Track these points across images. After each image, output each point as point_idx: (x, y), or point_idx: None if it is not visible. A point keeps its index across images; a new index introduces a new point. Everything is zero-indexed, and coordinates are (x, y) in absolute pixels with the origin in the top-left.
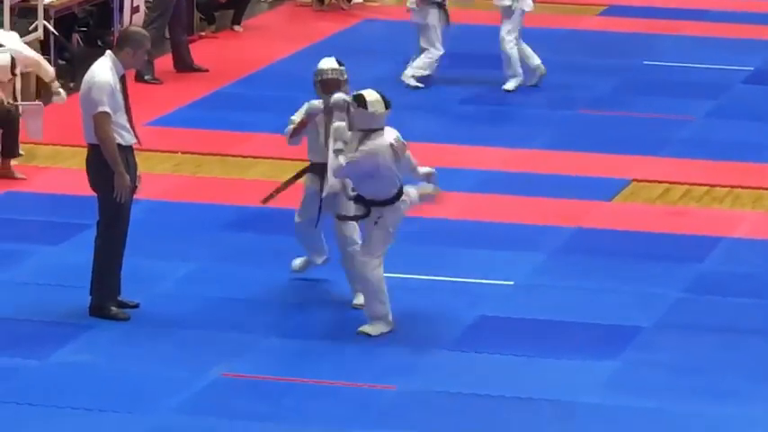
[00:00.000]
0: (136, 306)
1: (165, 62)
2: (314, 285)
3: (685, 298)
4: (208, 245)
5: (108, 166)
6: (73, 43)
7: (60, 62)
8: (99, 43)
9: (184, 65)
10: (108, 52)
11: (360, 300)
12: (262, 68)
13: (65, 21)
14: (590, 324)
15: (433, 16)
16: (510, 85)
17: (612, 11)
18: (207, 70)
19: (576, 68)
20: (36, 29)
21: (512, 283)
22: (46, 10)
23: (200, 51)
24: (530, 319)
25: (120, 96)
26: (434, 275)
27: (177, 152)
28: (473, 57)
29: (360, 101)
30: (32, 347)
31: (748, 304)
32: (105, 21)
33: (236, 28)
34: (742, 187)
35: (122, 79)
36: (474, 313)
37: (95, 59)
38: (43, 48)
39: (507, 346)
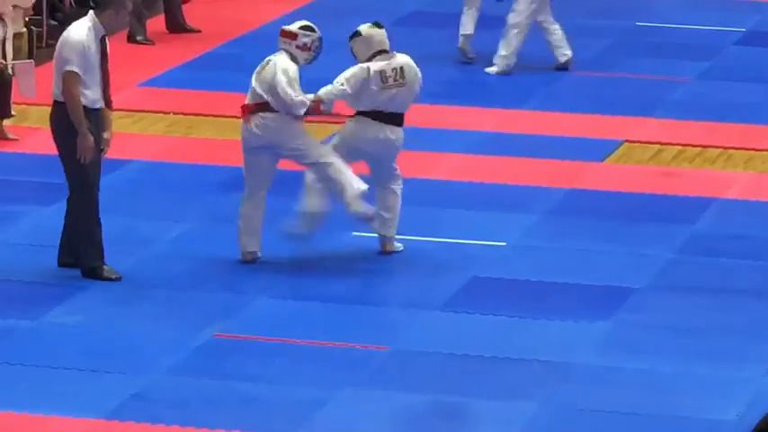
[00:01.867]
0: (118, 279)
1: (157, 23)
2: (306, 245)
3: (678, 259)
4: (200, 206)
5: (71, 126)
6: (65, 4)
7: (52, 23)
8: (91, 4)
9: (177, 26)
10: (90, 13)
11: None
12: (254, 29)
13: None
14: (582, 285)
15: None
16: (493, 69)
17: None
18: (199, 31)
19: (568, 30)
20: None
21: (504, 244)
22: None
23: (192, 12)
24: (522, 281)
25: (94, 58)
26: (427, 236)
27: (169, 113)
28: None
29: (355, 33)
30: (25, 308)
31: (740, 265)
32: None
33: None
34: (734, 148)
35: (102, 40)
36: (466, 274)
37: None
38: (35, 8)
39: (499, 306)
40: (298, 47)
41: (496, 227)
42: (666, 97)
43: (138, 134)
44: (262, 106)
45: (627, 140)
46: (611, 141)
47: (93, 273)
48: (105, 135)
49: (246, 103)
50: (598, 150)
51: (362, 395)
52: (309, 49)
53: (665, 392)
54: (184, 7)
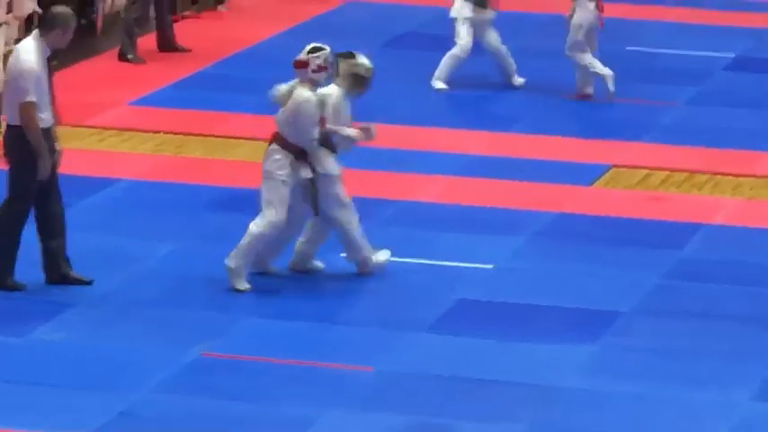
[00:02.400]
0: (90, 283)
1: (148, 41)
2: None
3: (664, 284)
4: (189, 225)
5: (28, 148)
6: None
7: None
8: (82, 21)
9: (168, 45)
10: (34, 33)
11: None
12: (245, 49)
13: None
14: (569, 308)
15: None
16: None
17: None
18: (189, 50)
19: (559, 53)
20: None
21: (492, 266)
22: None
23: (183, 31)
24: (509, 303)
25: (45, 81)
26: (414, 258)
27: (159, 132)
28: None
29: (347, 55)
30: (12, 324)
31: (727, 290)
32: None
33: (220, 8)
34: (722, 174)
35: (49, 59)
36: (454, 296)
37: (78, 39)
38: (26, 28)
39: (486, 329)
40: (314, 71)
41: (484, 249)
42: (655, 122)
43: (127, 153)
44: None
45: (615, 165)
46: (600, 166)
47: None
48: (58, 147)
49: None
50: (586, 174)
51: (349, 416)
52: (326, 68)
53: (651, 416)
54: (175, 26)
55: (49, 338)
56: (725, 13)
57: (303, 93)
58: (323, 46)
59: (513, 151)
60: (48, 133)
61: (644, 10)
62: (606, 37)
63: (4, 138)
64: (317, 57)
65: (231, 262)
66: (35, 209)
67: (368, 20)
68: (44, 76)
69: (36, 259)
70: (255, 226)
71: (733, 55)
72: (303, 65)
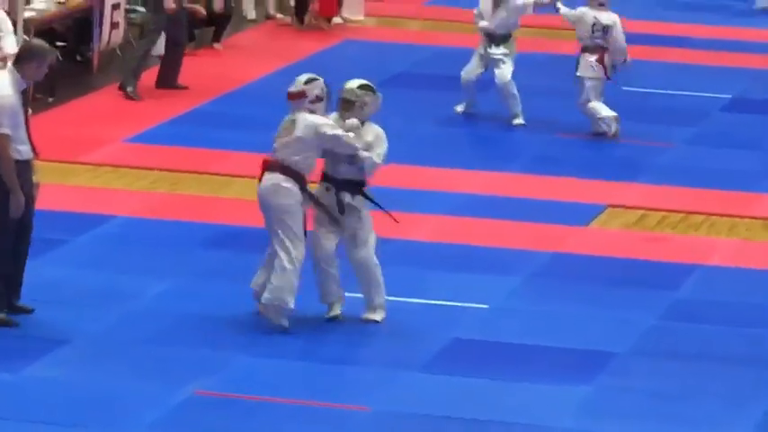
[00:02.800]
0: (31, 311)
1: (146, 77)
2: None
3: (660, 325)
4: (183, 262)
5: (2, 185)
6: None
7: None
8: (78, 58)
9: (166, 83)
10: (9, 66)
11: (335, 311)
12: (241, 86)
13: (44, 35)
14: (564, 349)
15: None
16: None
17: None
18: (186, 88)
19: (555, 92)
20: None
21: (487, 306)
22: (25, 24)
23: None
24: (504, 343)
25: (20, 112)
26: (410, 297)
27: (154, 169)
28: (454, 79)
29: (371, 89)
30: (5, 361)
31: (722, 332)
32: (85, 36)
33: (217, 46)
34: (718, 215)
35: (24, 92)
36: (448, 336)
37: (74, 74)
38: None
39: (481, 369)
40: (311, 101)
41: (479, 289)
42: (651, 162)
43: (122, 189)
44: None
45: (610, 205)
46: (595, 206)
47: None
48: (35, 181)
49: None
50: (582, 214)
51: None
52: (322, 99)
53: None
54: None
55: (42, 375)
56: (722, 54)
57: (312, 116)
58: (316, 77)
59: (509, 190)
60: (26, 166)
61: (641, 50)
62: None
63: None
64: (314, 86)
65: (274, 300)
66: None
67: (364, 58)
68: (19, 108)
69: (30, 296)
70: (289, 263)
71: (730, 96)
72: (300, 95)
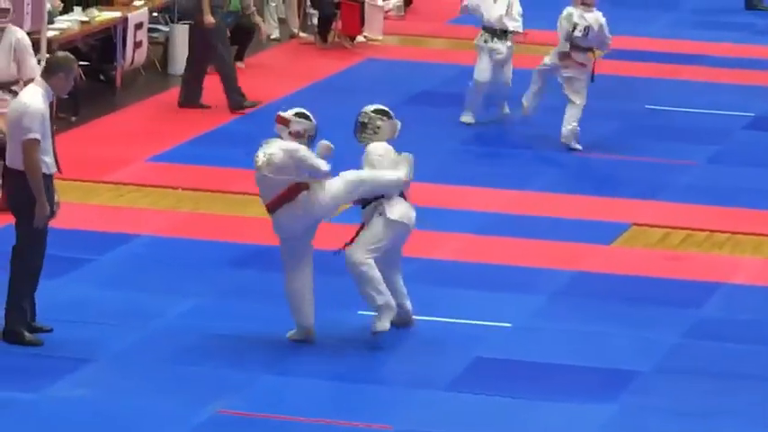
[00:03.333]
0: (49, 331)
1: (168, 96)
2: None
3: (683, 343)
4: (207, 281)
5: (29, 193)
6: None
7: (63, 96)
8: (102, 78)
9: (190, 101)
10: (38, 79)
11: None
12: (264, 105)
13: None
14: (588, 368)
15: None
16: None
17: (616, 54)
18: (209, 107)
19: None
20: (39, 62)
21: (510, 325)
22: (49, 43)
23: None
24: (527, 362)
25: (48, 124)
26: (432, 316)
27: (178, 188)
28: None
29: (385, 113)
30: (28, 380)
31: (746, 350)
32: (108, 55)
33: (239, 64)
34: (742, 233)
35: (51, 106)
36: (471, 354)
37: (98, 94)
38: None
39: (504, 388)
40: (291, 133)
41: (502, 308)
42: (674, 181)
43: (146, 209)
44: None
45: (634, 224)
46: (619, 224)
47: (14, 337)
48: (57, 198)
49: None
50: (605, 233)
51: None
52: (303, 136)
53: None
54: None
55: (65, 395)
56: (744, 72)
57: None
58: (309, 116)
59: (532, 209)
60: (49, 180)
61: (663, 69)
62: (625, 95)
63: (8, 184)
64: (300, 122)
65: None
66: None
67: (387, 77)
68: (48, 120)
69: (54, 314)
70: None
71: (753, 114)
72: (285, 122)
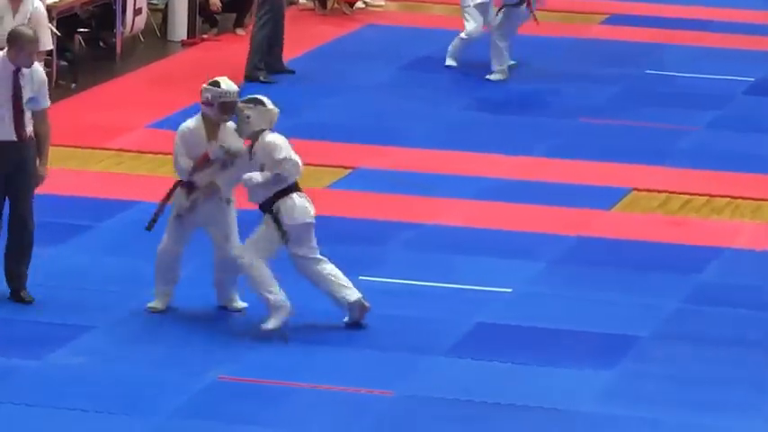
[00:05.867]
0: (30, 302)
1: (169, 63)
2: (312, 292)
3: (684, 308)
4: (207, 247)
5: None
6: (75, 44)
7: (62, 63)
8: (101, 44)
9: (274, 68)
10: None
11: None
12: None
13: (67, 22)
14: (588, 333)
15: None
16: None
17: (615, 20)
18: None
19: (577, 77)
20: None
21: (510, 290)
22: (48, 10)
23: (201, 54)
24: (527, 327)
25: (3, 91)
26: (433, 282)
27: None
28: (475, 64)
29: (256, 101)
30: (30, 348)
31: (747, 316)
32: (108, 22)
33: (239, 31)
34: (742, 198)
35: (15, 74)
36: (472, 320)
37: (98, 61)
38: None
39: (504, 353)
40: (202, 102)
41: (503, 273)
42: (674, 146)
43: (146, 175)
44: None
45: (634, 189)
46: (619, 189)
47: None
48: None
49: None
50: (605, 198)
51: None
52: (212, 105)
53: None
54: (193, 49)
55: (66, 362)
56: (744, 37)
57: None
58: (220, 83)
59: (533, 174)
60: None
61: (664, 34)
62: (626, 60)
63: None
64: (209, 89)
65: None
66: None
67: (386, 43)
68: (5, 88)
69: (54, 281)
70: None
71: (753, 79)
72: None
